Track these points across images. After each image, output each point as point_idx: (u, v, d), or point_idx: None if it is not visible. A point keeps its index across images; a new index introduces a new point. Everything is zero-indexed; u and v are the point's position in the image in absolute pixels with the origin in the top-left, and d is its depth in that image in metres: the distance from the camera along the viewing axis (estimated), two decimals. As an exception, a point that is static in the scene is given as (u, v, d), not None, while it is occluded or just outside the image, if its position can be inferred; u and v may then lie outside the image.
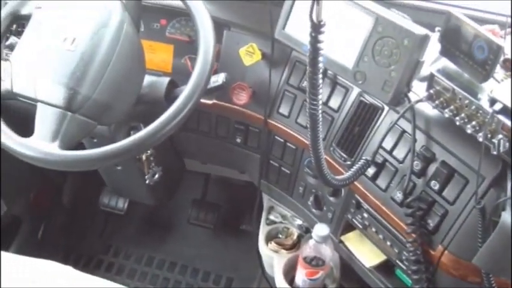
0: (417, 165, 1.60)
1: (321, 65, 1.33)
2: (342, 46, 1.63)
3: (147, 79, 1.97)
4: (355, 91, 1.81)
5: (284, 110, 2.02)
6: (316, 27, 1.28)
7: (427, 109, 1.60)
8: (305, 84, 1.85)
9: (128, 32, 1.83)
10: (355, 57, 1.61)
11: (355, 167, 1.67)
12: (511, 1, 1.69)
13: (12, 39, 2.03)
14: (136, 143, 1.69)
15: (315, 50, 1.31)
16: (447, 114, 1.50)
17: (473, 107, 1.45)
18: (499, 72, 1.50)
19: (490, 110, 1.40)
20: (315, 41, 1.30)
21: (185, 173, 2.90)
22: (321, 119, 1.42)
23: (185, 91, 1.73)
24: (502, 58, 1.48)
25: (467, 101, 1.46)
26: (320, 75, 1.35)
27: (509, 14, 1.57)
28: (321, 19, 1.26)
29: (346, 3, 1.61)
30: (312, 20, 1.27)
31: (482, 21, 1.69)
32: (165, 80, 1.97)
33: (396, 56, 1.53)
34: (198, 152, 2.49)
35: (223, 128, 2.24)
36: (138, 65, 1.91)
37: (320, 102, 1.39)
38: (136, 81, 1.91)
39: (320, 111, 1.40)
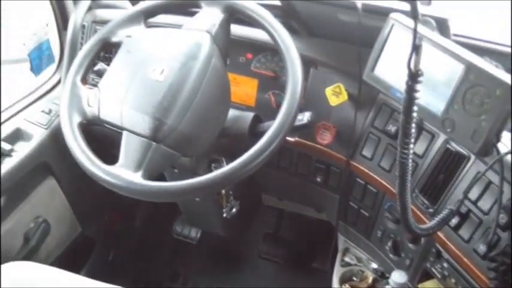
0: (503, 218, 1.54)
1: (415, 114, 1.32)
2: (431, 92, 1.61)
3: (232, 113, 1.97)
4: (441, 138, 1.78)
5: (367, 152, 2.00)
6: (414, 77, 1.27)
7: (515, 160, 1.56)
8: (390, 127, 1.85)
9: (215, 65, 1.84)
10: (444, 104, 1.58)
11: (439, 217, 1.64)
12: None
13: (100, 65, 2.07)
14: (221, 178, 1.68)
15: (410, 99, 1.30)
16: (537, 167, 1.47)
17: None
18: None
19: None
20: (411, 90, 1.29)
21: (259, 206, 2.90)
22: (410, 168, 1.40)
23: (272, 128, 1.71)
24: None
25: (559, 156, 1.42)
26: (413, 124, 1.33)
27: None
28: (419, 68, 1.25)
29: (438, 49, 1.59)
30: (409, 69, 1.25)
31: None
32: (250, 115, 1.97)
33: (487, 105, 1.49)
34: (277, 188, 2.49)
35: (304, 166, 2.22)
36: (223, 98, 1.92)
37: (411, 151, 1.37)
38: (221, 115, 1.92)
39: (410, 160, 1.38)
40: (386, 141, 1.94)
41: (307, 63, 2.06)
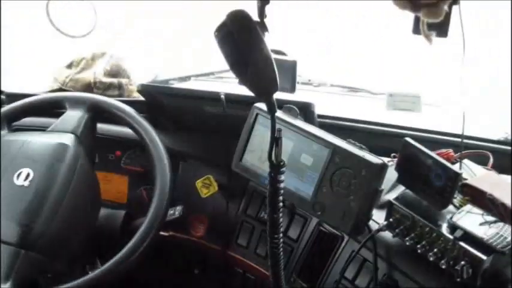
0: (380, 294, 1.58)
1: (281, 204, 1.33)
2: (300, 177, 1.64)
3: (103, 212, 1.95)
4: (314, 220, 1.81)
5: (242, 240, 2.00)
6: (276, 168, 1.28)
7: (388, 236, 1.58)
8: (263, 214, 1.86)
9: (82, 166, 1.82)
10: (313, 188, 1.61)
11: (318, 301, 1.65)
12: None
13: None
14: (95, 281, 1.65)
15: (274, 190, 1.32)
16: (408, 242, 1.50)
17: (434, 234, 1.45)
18: (457, 197, 1.51)
19: (451, 237, 1.40)
20: (274, 182, 1.30)
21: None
22: (282, 257, 1.41)
23: (143, 226, 1.71)
24: (459, 183, 1.50)
25: (427, 229, 1.46)
26: (280, 214, 1.35)
27: (463, 134, 1.59)
28: (280, 159, 1.27)
29: (302, 136, 1.63)
30: (271, 161, 1.27)
31: (437, 143, 1.72)
32: (121, 213, 1.96)
33: (355, 186, 1.54)
34: (155, 283, 2.44)
35: (181, 260, 2.21)
36: (93, 198, 1.89)
37: (281, 240, 1.38)
38: (91, 215, 1.89)
39: (281, 249, 1.40)
40: (261, 228, 1.94)
41: (176, 157, 2.07)
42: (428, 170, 1.47)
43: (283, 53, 1.87)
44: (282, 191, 1.33)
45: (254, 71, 1.18)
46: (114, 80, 2.39)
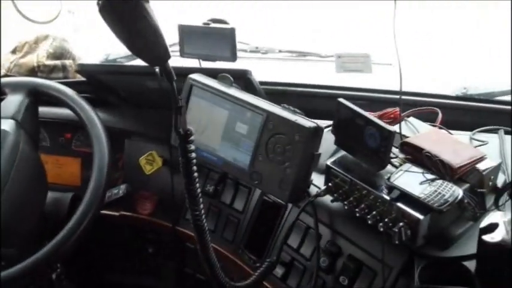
0: (324, 261, 1.54)
1: (196, 174, 1.31)
2: (236, 147, 1.59)
3: (51, 195, 1.92)
4: (258, 190, 1.77)
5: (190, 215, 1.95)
6: (183, 138, 1.25)
7: (329, 202, 1.55)
8: (208, 187, 1.83)
9: (24, 151, 1.77)
10: (249, 157, 1.57)
11: (258, 271, 1.61)
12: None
13: None
14: (29, 267, 1.63)
15: (187, 161, 1.28)
16: (347, 206, 1.47)
17: (372, 196, 1.42)
18: (398, 157, 1.48)
19: (388, 198, 1.37)
20: (184, 152, 1.27)
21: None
22: (207, 228, 1.40)
23: (79, 209, 1.68)
24: (400, 142, 1.47)
25: (365, 191, 1.43)
26: (197, 185, 1.31)
27: (400, 91, 1.55)
28: (187, 128, 1.23)
29: (236, 104, 1.58)
30: (178, 132, 1.23)
31: (386, 103, 1.69)
32: (68, 196, 1.93)
33: (289, 152, 1.49)
34: (113, 264, 2.42)
35: (134, 239, 2.19)
36: (38, 183, 1.86)
37: (203, 212, 1.36)
38: (37, 200, 1.85)
39: (204, 221, 1.36)
40: (208, 202, 1.90)
41: (121, 135, 2.04)
42: (363, 130, 1.43)
43: (224, 22, 1.83)
44: (194, 161, 1.30)
45: (142, 40, 1.13)
46: (58, 62, 2.34)
